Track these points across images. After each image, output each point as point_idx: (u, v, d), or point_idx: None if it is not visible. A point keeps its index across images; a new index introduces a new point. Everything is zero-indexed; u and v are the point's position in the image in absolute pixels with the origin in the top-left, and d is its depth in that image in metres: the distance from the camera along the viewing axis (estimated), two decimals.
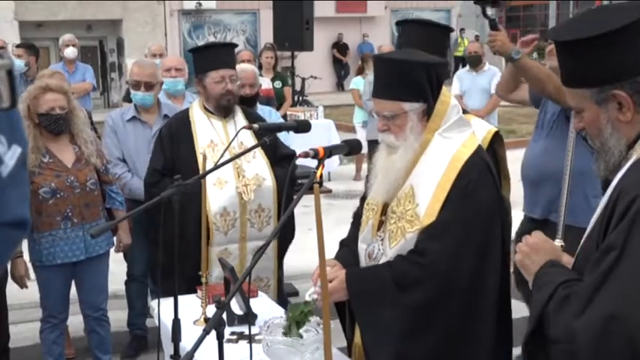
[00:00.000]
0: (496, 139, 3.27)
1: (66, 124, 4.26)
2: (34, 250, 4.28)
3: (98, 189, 4.39)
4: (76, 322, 4.88)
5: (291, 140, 5.47)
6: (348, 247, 2.94)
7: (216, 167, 3.09)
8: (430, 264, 2.56)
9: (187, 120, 4.12)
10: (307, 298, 2.72)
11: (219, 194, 3.94)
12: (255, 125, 3.30)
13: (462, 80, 8.92)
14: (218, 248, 3.97)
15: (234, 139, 3.55)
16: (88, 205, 4.31)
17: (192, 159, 3.96)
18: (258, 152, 4.06)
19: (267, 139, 3.21)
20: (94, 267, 4.42)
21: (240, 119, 4.09)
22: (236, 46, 4.46)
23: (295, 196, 2.51)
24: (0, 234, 0.80)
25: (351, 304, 2.74)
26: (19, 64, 8.16)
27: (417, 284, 2.58)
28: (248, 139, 4.01)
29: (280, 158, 4.21)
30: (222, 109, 4.07)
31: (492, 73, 8.80)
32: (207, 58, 4.10)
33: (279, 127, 3.40)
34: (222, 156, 3.16)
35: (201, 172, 3.15)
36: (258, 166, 4.05)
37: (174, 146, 4.08)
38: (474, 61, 8.85)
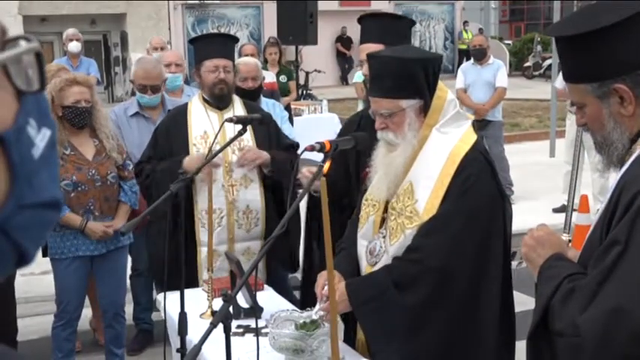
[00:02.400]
0: None
1: (89, 118, 4.28)
2: (55, 242, 4.30)
3: (117, 183, 4.41)
4: (81, 316, 4.89)
5: (296, 134, 5.48)
6: (346, 251, 2.94)
7: (208, 161, 3.12)
8: (425, 259, 2.56)
9: (185, 112, 4.13)
10: (314, 317, 2.71)
11: (206, 190, 3.89)
12: (234, 117, 3.40)
13: (466, 73, 8.89)
14: (206, 249, 3.83)
15: (219, 131, 3.59)
16: (107, 198, 4.35)
17: (186, 150, 3.99)
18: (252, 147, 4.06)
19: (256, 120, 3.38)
20: (114, 261, 4.46)
21: (239, 111, 4.07)
22: (235, 38, 4.46)
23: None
24: (36, 215, 0.83)
25: (354, 314, 2.74)
26: None
27: (415, 281, 2.58)
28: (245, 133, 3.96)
29: (283, 148, 4.20)
30: (216, 99, 4.08)
31: (497, 67, 8.78)
32: (204, 48, 4.13)
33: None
34: (210, 150, 3.21)
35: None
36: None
37: (170, 139, 4.08)
38: (479, 55, 8.83)
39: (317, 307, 2.72)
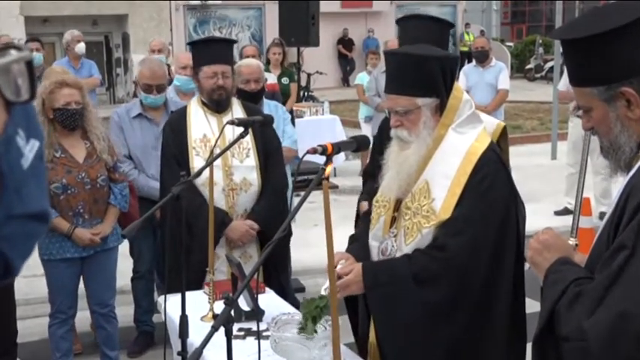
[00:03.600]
0: (502, 134, 3.28)
1: (81, 119, 4.26)
2: (44, 243, 4.28)
3: (107, 186, 4.39)
4: (82, 317, 4.89)
5: (297, 136, 5.47)
6: (360, 242, 2.93)
7: (209, 164, 3.10)
8: (451, 259, 2.55)
9: (184, 115, 4.12)
10: (323, 293, 2.69)
11: (206, 195, 3.87)
12: (235, 119, 3.38)
13: (468, 76, 8.89)
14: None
15: (220, 134, 3.58)
16: (96, 201, 4.33)
17: (186, 154, 3.98)
18: (252, 151, 4.04)
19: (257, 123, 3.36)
20: (102, 262, 4.44)
21: (237, 114, 4.05)
22: (235, 42, 4.44)
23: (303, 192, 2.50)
24: (24, 226, 0.81)
25: (366, 297, 2.72)
26: (39, 57, 8.15)
27: (436, 279, 2.57)
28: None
29: (271, 151, 4.17)
30: (214, 104, 4.07)
31: (499, 69, 8.78)
32: (203, 53, 4.10)
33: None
34: (211, 153, 3.20)
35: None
36: (248, 170, 4.02)
37: (176, 139, 4.08)
38: (481, 57, 8.82)
39: (327, 283, 2.71)
